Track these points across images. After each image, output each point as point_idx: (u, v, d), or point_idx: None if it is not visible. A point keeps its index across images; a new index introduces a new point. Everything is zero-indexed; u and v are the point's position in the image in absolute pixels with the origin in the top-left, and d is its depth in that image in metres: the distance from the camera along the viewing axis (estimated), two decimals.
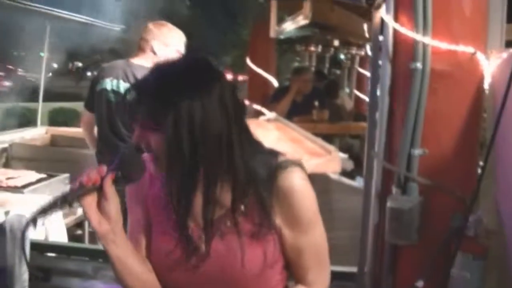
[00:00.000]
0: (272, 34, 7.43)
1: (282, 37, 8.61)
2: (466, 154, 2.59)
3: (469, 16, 2.51)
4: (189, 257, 1.78)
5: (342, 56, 14.77)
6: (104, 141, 4.03)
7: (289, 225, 1.77)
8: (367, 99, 12.19)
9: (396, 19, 2.63)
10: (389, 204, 2.55)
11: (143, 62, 3.95)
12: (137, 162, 1.74)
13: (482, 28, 2.56)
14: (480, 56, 2.51)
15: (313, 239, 1.81)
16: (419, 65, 2.51)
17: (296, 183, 1.74)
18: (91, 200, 1.65)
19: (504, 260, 2.58)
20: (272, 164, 1.76)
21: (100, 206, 1.67)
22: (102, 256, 3.19)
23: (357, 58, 11.37)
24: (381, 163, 2.68)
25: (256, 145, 1.80)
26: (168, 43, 4.05)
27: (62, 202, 1.62)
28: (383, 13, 2.66)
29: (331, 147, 4.31)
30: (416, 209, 2.51)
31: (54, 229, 3.86)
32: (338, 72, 14.21)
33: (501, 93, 2.47)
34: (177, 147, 1.63)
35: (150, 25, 4.13)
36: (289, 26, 6.92)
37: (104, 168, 1.68)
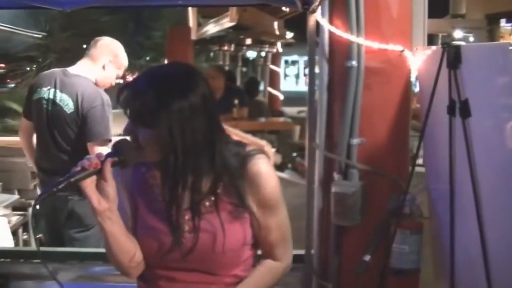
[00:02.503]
0: (193, 36, 7.63)
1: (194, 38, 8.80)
2: (399, 141, 2.89)
3: (396, 18, 2.81)
4: (175, 236, 2.00)
5: (248, 55, 15.07)
6: (43, 149, 4.04)
7: (259, 205, 2.03)
8: (280, 95, 12.59)
9: (330, 22, 2.88)
10: (333, 189, 2.81)
11: (81, 72, 4.00)
12: (132, 149, 1.94)
13: (408, 28, 2.86)
14: (407, 53, 2.81)
15: (279, 218, 2.09)
16: (354, 63, 2.78)
17: (263, 169, 2.02)
18: (90, 182, 1.88)
19: (436, 234, 2.90)
20: (241, 153, 2.03)
21: (98, 187, 1.89)
22: (59, 258, 3.28)
23: (270, 56, 11.68)
24: (323, 152, 2.94)
25: (226, 137, 2.05)
26: (119, 68, 4.12)
27: (66, 184, 1.85)
28: (318, 17, 2.90)
29: (263, 142, 4.53)
30: (358, 192, 2.78)
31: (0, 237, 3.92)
32: (244, 69, 14.52)
33: (426, 86, 2.77)
34: (170, 142, 1.87)
35: (113, 41, 4.19)
36: (213, 29, 7.14)
37: (103, 154, 1.91)
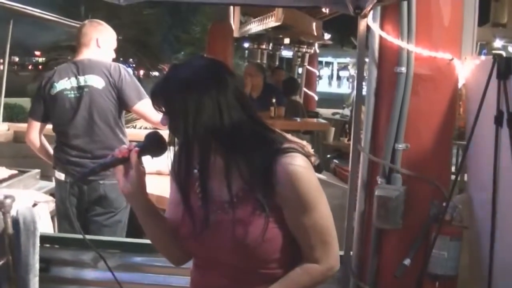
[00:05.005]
0: (236, 34, 7.71)
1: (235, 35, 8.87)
2: (443, 148, 2.92)
3: (447, 26, 2.83)
4: (198, 226, 2.03)
5: (283, 54, 15.11)
6: (83, 134, 4.13)
7: (288, 206, 1.97)
8: (315, 96, 12.61)
9: (381, 27, 2.92)
10: (377, 192, 2.85)
11: (90, 56, 4.18)
12: (159, 141, 2.07)
13: (458, 37, 2.89)
14: (456, 62, 2.84)
15: (314, 219, 1.98)
16: (403, 69, 2.82)
17: (292, 167, 1.92)
18: (120, 168, 2.04)
19: (475, 242, 2.92)
20: (272, 149, 1.96)
21: (126, 174, 2.04)
22: (100, 246, 3.33)
23: (307, 56, 11.70)
24: (367, 156, 2.98)
25: (253, 130, 1.99)
26: (109, 39, 4.29)
27: (101, 168, 2.07)
28: (370, 22, 2.94)
29: (304, 142, 4.53)
30: (401, 196, 2.81)
31: (42, 223, 4.00)
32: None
33: (473, 95, 2.80)
34: (179, 125, 1.94)
35: (90, 22, 4.37)
36: (256, 27, 7.19)
37: (133, 145, 2.05)
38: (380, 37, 2.93)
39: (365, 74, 3.10)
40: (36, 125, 4.31)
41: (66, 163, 4.15)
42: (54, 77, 4.18)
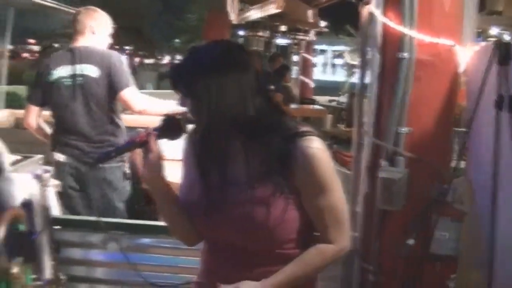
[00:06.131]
0: (235, 20, 7.74)
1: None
2: (444, 131, 3.00)
3: (448, 12, 2.90)
4: (216, 208, 2.10)
5: (278, 42, 15.15)
6: (73, 124, 4.22)
7: (306, 187, 2.04)
8: (311, 83, 12.67)
9: (384, 14, 2.99)
10: (381, 174, 2.92)
11: (85, 43, 4.27)
12: (176, 124, 2.12)
13: (458, 23, 2.95)
14: (457, 48, 2.91)
15: (330, 200, 2.06)
16: (405, 55, 2.89)
17: (310, 150, 1.99)
18: (139, 152, 2.08)
19: (475, 223, 3.00)
20: (291, 132, 2.03)
21: (145, 157, 2.07)
22: (108, 228, 3.40)
23: (303, 44, 11.75)
24: (371, 139, 3.06)
25: (275, 114, 2.07)
26: (103, 25, 4.35)
27: (118, 152, 2.15)
28: (373, 8, 3.01)
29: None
30: (404, 179, 2.89)
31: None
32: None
33: (474, 81, 2.88)
34: (203, 109, 1.98)
35: (85, 10, 4.42)
36: (256, 14, 7.23)
37: (151, 129, 2.09)
38: (383, 23, 3.00)
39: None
40: (34, 109, 4.42)
41: (65, 145, 4.25)
42: (51, 65, 4.26)
